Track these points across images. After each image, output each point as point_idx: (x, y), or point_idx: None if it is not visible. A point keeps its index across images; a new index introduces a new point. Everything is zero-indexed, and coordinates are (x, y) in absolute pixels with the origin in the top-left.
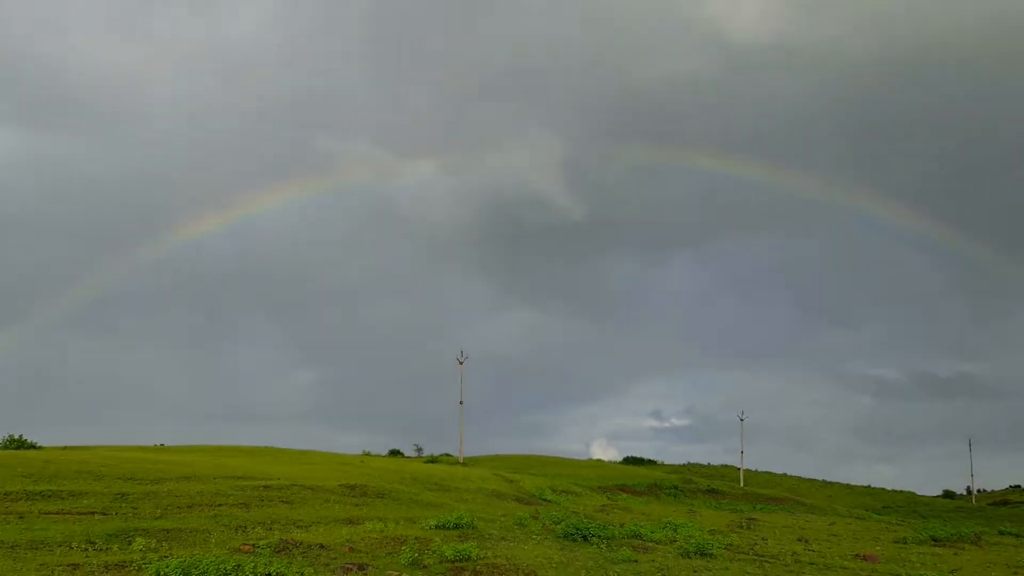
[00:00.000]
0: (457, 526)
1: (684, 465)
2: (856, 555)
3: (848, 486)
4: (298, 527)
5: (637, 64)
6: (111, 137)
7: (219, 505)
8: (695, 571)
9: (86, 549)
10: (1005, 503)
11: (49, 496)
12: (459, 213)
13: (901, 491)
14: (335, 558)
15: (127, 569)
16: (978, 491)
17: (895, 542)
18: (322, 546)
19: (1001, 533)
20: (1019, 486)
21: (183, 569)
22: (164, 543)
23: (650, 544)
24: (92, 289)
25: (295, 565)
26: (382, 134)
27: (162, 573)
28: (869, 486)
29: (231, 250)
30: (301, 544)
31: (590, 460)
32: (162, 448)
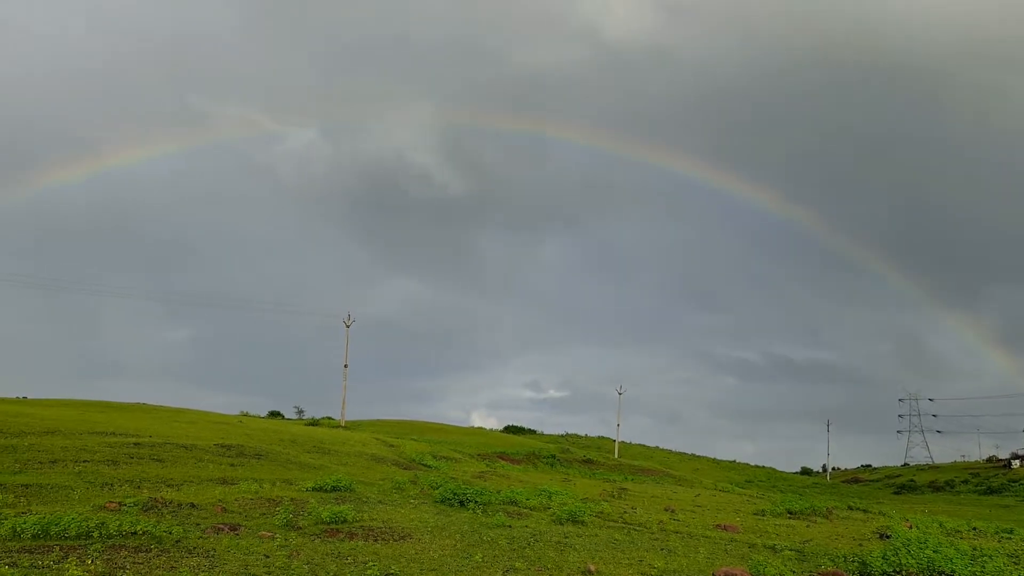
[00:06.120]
0: (335, 489)
1: (562, 435)
2: (717, 525)
3: (714, 460)
4: (169, 486)
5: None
6: None
7: (84, 461)
8: (566, 536)
9: None
10: (856, 480)
11: None
12: (341, 179)
13: (763, 467)
14: (206, 518)
15: None
16: (833, 469)
17: (754, 514)
18: (193, 505)
19: (850, 508)
20: (869, 465)
21: (42, 525)
22: (23, 499)
23: (525, 510)
24: None
25: (163, 524)
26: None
27: (19, 529)
28: (734, 461)
29: (97, 200)
30: (171, 503)
31: (471, 428)
32: (25, 401)
